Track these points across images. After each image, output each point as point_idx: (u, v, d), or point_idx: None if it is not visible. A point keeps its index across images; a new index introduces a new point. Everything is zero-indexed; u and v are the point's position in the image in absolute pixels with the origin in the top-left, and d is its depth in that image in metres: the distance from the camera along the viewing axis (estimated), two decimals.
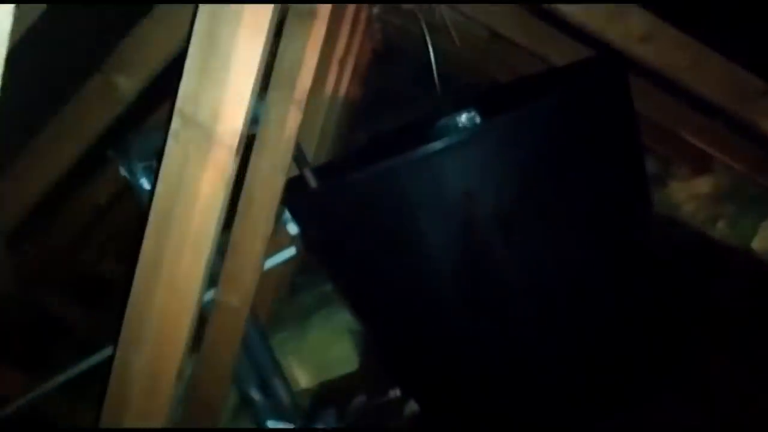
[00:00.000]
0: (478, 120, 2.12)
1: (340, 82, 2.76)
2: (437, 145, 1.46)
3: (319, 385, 2.48)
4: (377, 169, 1.50)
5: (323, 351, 2.50)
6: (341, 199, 1.60)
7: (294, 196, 1.68)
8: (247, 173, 1.63)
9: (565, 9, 1.51)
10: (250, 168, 1.63)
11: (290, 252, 1.89)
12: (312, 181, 1.71)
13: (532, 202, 1.51)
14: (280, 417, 2.06)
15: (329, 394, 2.41)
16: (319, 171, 1.82)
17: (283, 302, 2.92)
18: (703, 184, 2.66)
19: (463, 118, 2.12)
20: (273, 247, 2.12)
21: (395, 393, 2.08)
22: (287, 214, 1.89)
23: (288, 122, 1.56)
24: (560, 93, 1.49)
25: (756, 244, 2.10)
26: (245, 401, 2.04)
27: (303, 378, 2.48)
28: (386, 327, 1.81)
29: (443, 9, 2.41)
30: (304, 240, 1.89)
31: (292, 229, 1.89)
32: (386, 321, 1.78)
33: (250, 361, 1.97)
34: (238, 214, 1.62)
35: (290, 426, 2.03)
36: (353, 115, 4.35)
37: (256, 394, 2.01)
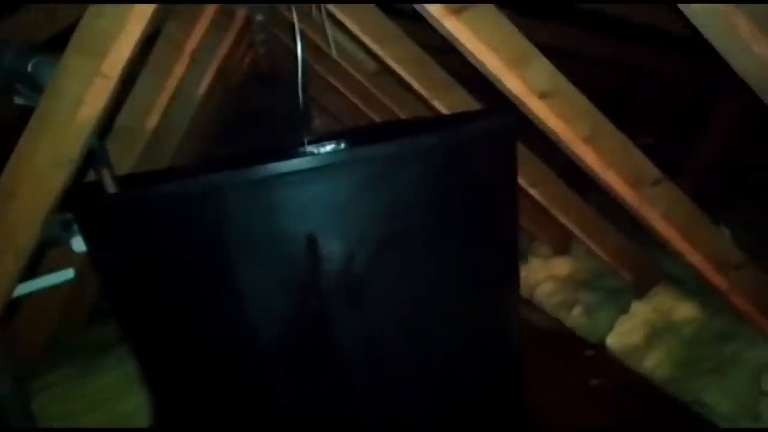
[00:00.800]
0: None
1: (201, 82, 2.35)
2: (281, 166, 1.12)
3: None
4: (198, 184, 1.13)
5: (109, 400, 1.99)
6: (144, 216, 1.20)
7: (84, 203, 1.24)
8: (13, 158, 1.18)
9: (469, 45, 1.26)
10: (18, 152, 1.18)
11: (66, 275, 1.43)
12: (109, 185, 1.29)
13: (389, 265, 1.21)
14: None
15: None
16: (128, 179, 1.40)
17: (80, 331, 2.37)
18: (562, 266, 2.56)
19: (329, 147, 1.81)
20: (53, 265, 1.64)
21: None
22: (75, 227, 1.44)
23: (88, 99, 1.14)
24: (442, 135, 1.23)
25: (610, 340, 1.98)
26: None
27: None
28: (172, 392, 1.39)
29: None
30: (94, 261, 1.43)
31: (77, 245, 1.43)
32: (173, 388, 1.37)
33: None
34: None
35: None
36: (227, 131, 3.89)
37: None
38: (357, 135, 1.70)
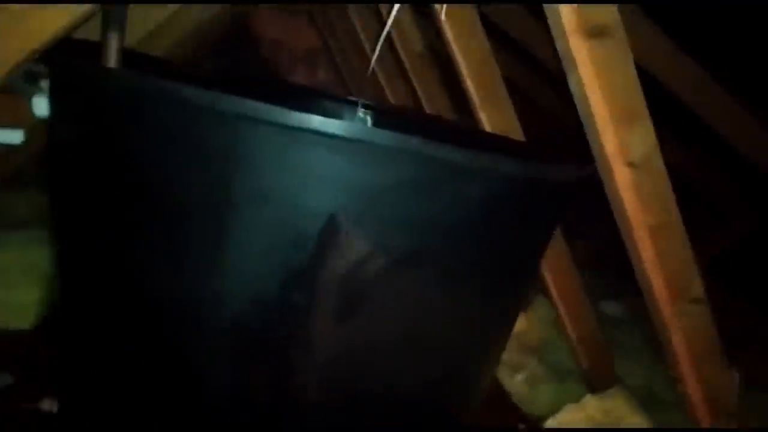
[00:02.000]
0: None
1: None
2: (335, 125, 0.89)
3: None
4: (226, 100, 0.87)
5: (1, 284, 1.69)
6: (141, 112, 0.93)
7: (69, 62, 0.96)
8: None
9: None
10: None
11: (14, 136, 1.14)
12: (111, 56, 1.01)
13: (401, 285, 1.00)
14: None
15: None
16: (132, 57, 1.12)
17: None
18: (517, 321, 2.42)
19: (361, 113, 1.58)
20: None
21: (51, 406, 1.37)
22: (44, 84, 1.15)
23: None
24: (530, 165, 1.02)
25: (550, 424, 1.86)
26: None
27: None
28: (88, 305, 1.13)
29: None
30: (50, 129, 1.15)
31: (39, 107, 1.15)
32: (93, 298, 1.10)
33: None
34: None
35: None
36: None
37: None
38: (411, 120, 1.48)
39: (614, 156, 1.14)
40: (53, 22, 0.91)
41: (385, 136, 0.90)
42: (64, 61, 0.95)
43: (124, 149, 0.97)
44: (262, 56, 3.93)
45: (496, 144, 1.64)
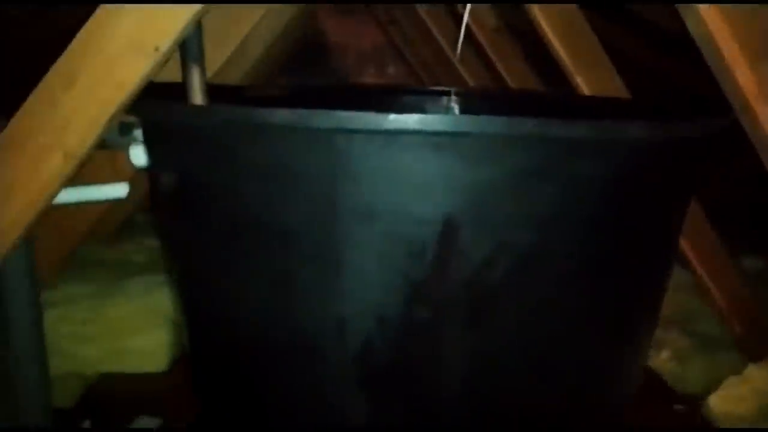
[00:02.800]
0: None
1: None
2: (429, 120, 0.81)
3: (102, 376, 1.74)
4: (318, 117, 0.82)
5: (128, 330, 1.75)
6: (233, 143, 0.90)
7: (158, 107, 0.95)
8: (79, 37, 0.88)
9: None
10: (87, 30, 0.88)
11: (119, 191, 1.15)
12: (196, 92, 0.99)
13: (532, 284, 0.91)
14: (7, 416, 1.32)
15: (109, 395, 1.68)
16: (215, 90, 1.10)
17: (106, 246, 2.11)
18: None
19: (445, 101, 1.50)
20: (97, 173, 1.36)
21: None
22: (137, 133, 1.15)
23: None
24: (658, 125, 0.90)
25: (713, 402, 1.68)
26: None
27: (84, 356, 1.72)
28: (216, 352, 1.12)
29: None
30: (152, 179, 1.15)
31: (137, 157, 1.15)
32: (220, 345, 1.09)
33: None
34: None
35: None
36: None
37: None
38: (500, 99, 1.38)
39: (754, 97, 0.99)
40: (138, 68, 0.90)
41: (489, 123, 0.81)
42: (152, 106, 0.94)
43: (223, 184, 0.95)
44: (332, 64, 3.92)
45: (605, 108, 1.51)
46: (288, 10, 2.06)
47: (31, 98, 0.90)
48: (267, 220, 0.92)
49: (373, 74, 3.96)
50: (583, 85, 1.59)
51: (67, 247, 1.61)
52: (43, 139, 0.90)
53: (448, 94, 1.58)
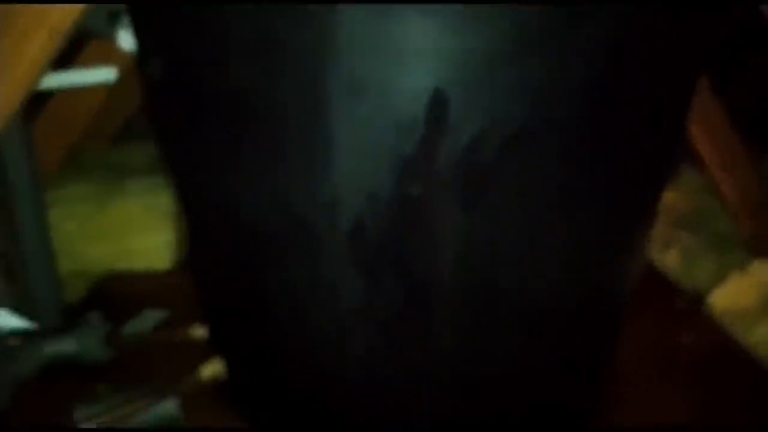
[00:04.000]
0: None
1: None
2: None
3: (109, 272, 1.77)
4: None
5: (132, 229, 1.77)
6: (226, 17, 0.85)
7: None
8: None
9: None
10: None
11: (105, 74, 1.11)
12: None
13: (526, 161, 0.87)
14: (19, 309, 1.36)
15: (115, 292, 1.71)
16: None
17: (106, 147, 2.10)
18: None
19: None
20: (90, 58, 1.33)
21: (203, 333, 1.43)
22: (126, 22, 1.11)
23: None
24: None
25: (714, 297, 1.68)
26: None
27: (89, 256, 1.74)
28: (213, 254, 1.12)
29: None
30: (142, 66, 1.11)
31: (125, 41, 1.11)
32: (216, 244, 1.09)
33: None
34: None
35: (27, 327, 1.35)
36: None
37: None
38: None
39: None
40: None
41: None
42: None
43: (210, 63, 0.91)
44: None
45: None
46: None
47: None
48: (256, 98, 0.88)
49: None
50: None
51: (66, 142, 1.60)
52: (28, 16, 0.87)
53: None
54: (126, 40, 1.08)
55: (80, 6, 0.90)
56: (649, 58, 0.87)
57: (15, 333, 1.29)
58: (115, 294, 1.70)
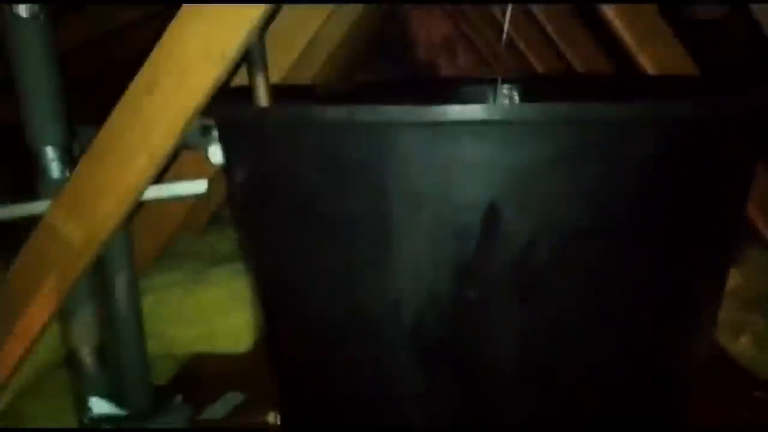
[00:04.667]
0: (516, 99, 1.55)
1: None
2: (470, 111, 0.86)
3: (192, 355, 1.91)
4: (367, 113, 0.89)
5: (214, 314, 1.91)
6: (294, 139, 0.99)
7: (230, 109, 1.06)
8: (158, 47, 1.00)
9: None
10: (164, 41, 1.00)
11: (198, 186, 1.27)
12: (261, 95, 1.09)
13: (579, 263, 0.94)
14: (110, 396, 1.48)
15: (199, 374, 1.84)
16: (280, 91, 1.19)
17: (196, 238, 2.30)
18: (732, 276, 2.15)
19: (504, 90, 1.53)
20: (184, 172, 1.51)
21: (275, 419, 1.51)
22: (215, 134, 1.27)
23: None
24: (702, 103, 0.90)
25: None
26: (71, 359, 1.45)
27: (177, 338, 1.89)
28: (289, 340, 1.22)
29: None
30: (229, 175, 1.27)
31: (215, 156, 1.26)
32: (292, 334, 1.20)
33: (92, 306, 1.37)
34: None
35: (118, 413, 1.46)
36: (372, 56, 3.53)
37: (87, 356, 1.42)
38: (562, 84, 1.40)
39: None
40: (208, 75, 1.00)
41: (526, 111, 0.85)
42: (220, 109, 1.05)
43: (285, 175, 1.04)
44: (407, 58, 3.97)
45: (666, 86, 1.48)
46: (356, 9, 2.15)
47: (118, 105, 1.03)
48: (326, 208, 1.00)
49: (445, 65, 3.99)
50: (647, 64, 1.57)
51: (160, 239, 1.78)
52: (129, 142, 1.03)
53: (507, 82, 1.61)
54: (215, 153, 1.24)
55: (180, 129, 1.05)
56: (706, 155, 0.93)
57: (107, 418, 1.41)
58: (199, 376, 1.82)
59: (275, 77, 1.63)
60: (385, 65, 3.85)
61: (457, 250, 0.95)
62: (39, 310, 1.11)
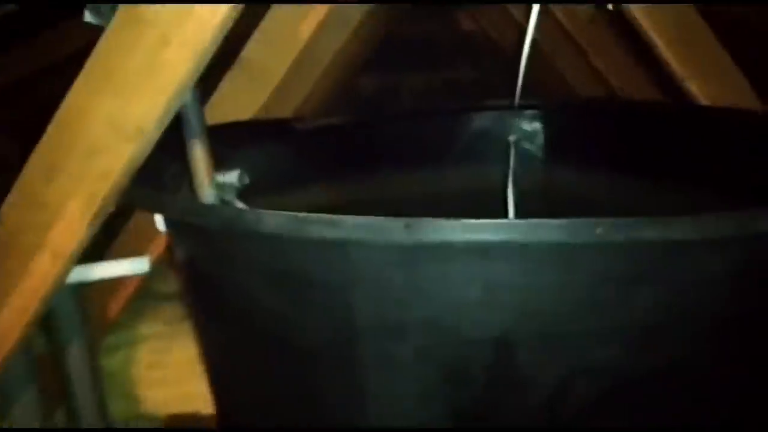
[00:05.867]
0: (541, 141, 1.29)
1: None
2: (473, 228, 0.60)
3: (168, 418, 1.70)
4: (316, 226, 0.64)
5: (190, 375, 1.69)
6: (236, 240, 0.74)
7: (148, 200, 0.81)
8: (58, 117, 0.76)
9: None
10: (65, 109, 0.76)
11: (140, 265, 1.04)
12: (202, 175, 0.83)
13: (624, 416, 0.68)
14: None
15: None
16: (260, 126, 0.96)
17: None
18: None
19: (526, 125, 1.25)
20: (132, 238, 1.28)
21: None
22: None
23: (179, 35, 0.68)
24: None
25: None
26: None
27: (150, 401, 1.69)
28: None
29: None
30: (174, 254, 1.03)
31: (160, 223, 1.02)
32: None
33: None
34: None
35: None
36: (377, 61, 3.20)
37: None
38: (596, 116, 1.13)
39: None
40: (125, 153, 0.76)
41: (551, 231, 0.59)
42: (141, 199, 0.80)
43: (227, 283, 0.80)
44: (417, 57, 3.63)
45: (722, 122, 1.20)
46: (358, 8, 1.86)
47: (10, 196, 0.79)
48: (277, 328, 0.76)
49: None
50: (698, 93, 1.28)
51: (124, 294, 1.56)
52: (28, 240, 0.79)
53: (529, 108, 1.32)
54: (159, 221, 1.00)
55: (88, 222, 0.81)
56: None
57: None
58: None
59: (253, 110, 1.39)
60: (398, 67, 3.51)
61: (452, 397, 0.70)
62: None
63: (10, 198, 0.80)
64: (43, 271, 0.80)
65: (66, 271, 0.83)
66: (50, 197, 0.78)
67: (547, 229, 0.58)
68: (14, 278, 0.81)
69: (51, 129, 0.76)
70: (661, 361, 0.67)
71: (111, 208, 0.80)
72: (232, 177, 0.92)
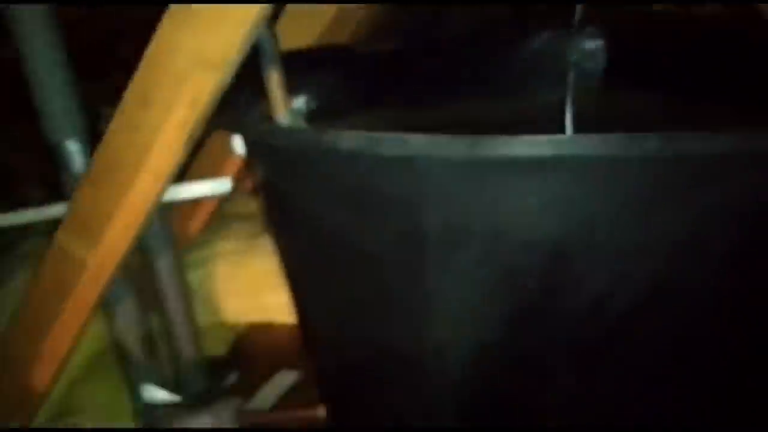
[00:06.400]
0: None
1: None
2: (531, 144, 0.65)
3: (247, 327, 1.86)
4: (389, 145, 0.70)
5: (265, 288, 1.83)
6: (308, 159, 0.82)
7: (231, 122, 0.89)
8: (147, 55, 0.84)
9: None
10: (153, 48, 0.83)
11: (222, 186, 1.14)
12: (279, 102, 0.91)
13: (663, 322, 0.74)
14: (163, 381, 1.45)
15: (252, 344, 1.79)
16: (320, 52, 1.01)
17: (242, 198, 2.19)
18: None
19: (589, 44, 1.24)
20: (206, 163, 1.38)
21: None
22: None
23: None
24: None
25: None
26: (118, 349, 1.42)
27: (227, 311, 1.84)
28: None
29: None
30: (254, 175, 1.12)
31: (238, 146, 1.11)
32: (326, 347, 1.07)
33: (133, 295, 1.32)
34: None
35: (171, 399, 1.44)
36: None
37: (134, 345, 1.39)
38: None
39: None
40: (209, 82, 0.84)
41: (605, 144, 0.63)
42: (226, 121, 0.88)
43: (302, 200, 0.88)
44: None
45: None
46: None
47: (112, 123, 0.89)
48: (348, 243, 0.84)
49: None
50: None
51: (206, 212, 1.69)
52: (129, 163, 0.89)
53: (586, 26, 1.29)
54: (236, 144, 1.08)
55: (182, 144, 0.90)
56: None
57: (160, 406, 1.39)
58: (253, 347, 1.77)
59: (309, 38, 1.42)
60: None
61: (509, 300, 0.77)
62: (62, 334, 1.04)
63: (111, 127, 0.90)
64: (145, 189, 0.91)
65: (163, 190, 0.93)
66: (147, 122, 0.87)
67: (599, 144, 0.63)
68: (119, 196, 0.92)
69: (143, 63, 0.84)
70: (693, 272, 0.72)
71: (199, 132, 0.89)
72: (299, 102, 1.00)
